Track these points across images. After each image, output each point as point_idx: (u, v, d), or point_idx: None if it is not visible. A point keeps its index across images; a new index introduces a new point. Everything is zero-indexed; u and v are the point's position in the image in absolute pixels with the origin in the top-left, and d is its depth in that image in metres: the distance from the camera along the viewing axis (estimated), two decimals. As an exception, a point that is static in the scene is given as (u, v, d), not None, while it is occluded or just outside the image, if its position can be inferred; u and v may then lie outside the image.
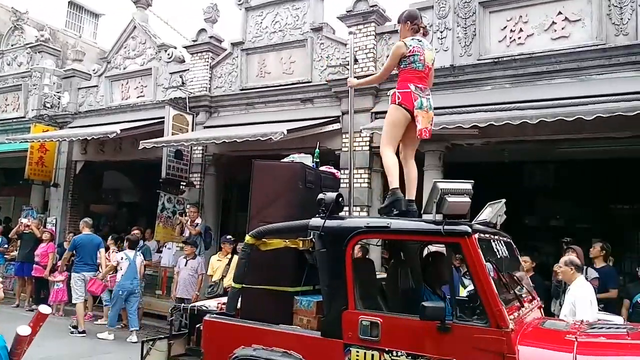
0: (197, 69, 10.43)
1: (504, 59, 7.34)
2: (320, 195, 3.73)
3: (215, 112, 10.26)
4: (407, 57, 4.12)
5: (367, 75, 8.14)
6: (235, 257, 8.47)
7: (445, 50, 7.81)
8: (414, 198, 4.16)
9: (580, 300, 4.88)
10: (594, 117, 5.76)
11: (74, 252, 8.92)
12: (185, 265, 8.75)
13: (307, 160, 4.98)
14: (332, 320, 3.42)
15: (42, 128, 12.32)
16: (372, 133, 7.95)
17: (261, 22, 9.74)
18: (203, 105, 10.16)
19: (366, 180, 8.16)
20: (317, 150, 5.27)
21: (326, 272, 3.55)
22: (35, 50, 13.50)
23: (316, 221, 3.68)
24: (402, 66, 4.17)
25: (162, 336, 4.92)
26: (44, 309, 2.49)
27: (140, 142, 8.95)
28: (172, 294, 8.92)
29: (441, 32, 7.88)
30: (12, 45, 14.37)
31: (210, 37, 10.32)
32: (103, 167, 12.92)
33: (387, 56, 8.16)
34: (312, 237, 3.85)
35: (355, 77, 8.17)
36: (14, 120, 13.57)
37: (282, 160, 5.05)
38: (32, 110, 13.08)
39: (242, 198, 13.41)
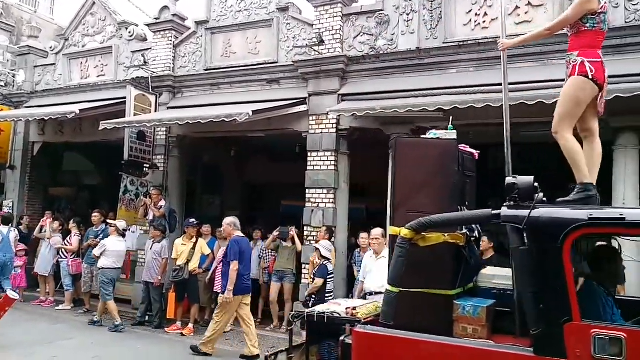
0: (160, 48, 10.14)
1: (469, 42, 7.40)
2: (511, 179, 3.07)
3: (179, 93, 10.03)
4: (596, 15, 3.32)
5: (335, 57, 8.11)
6: (201, 240, 8.41)
7: (412, 33, 7.81)
8: (595, 182, 3.44)
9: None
10: (554, 101, 5.87)
11: None
12: (151, 248, 8.62)
13: (453, 136, 4.11)
14: (549, 335, 2.72)
15: (-3, 107, 11.81)
16: (339, 115, 7.94)
17: (226, 1, 9.51)
18: (166, 85, 9.90)
19: (333, 162, 8.16)
20: (450, 125, 4.37)
21: (532, 275, 2.86)
22: (-13, 26, 12.85)
23: (511, 211, 2.98)
24: (587, 25, 3.35)
25: (282, 349, 4.42)
26: (11, 294, 2.43)
27: (101, 122, 8.67)
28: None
29: (407, 14, 7.87)
30: (-40, 20, 13.63)
31: (174, 15, 10.02)
32: (62, 149, 12.51)
33: (354, 38, 8.19)
34: (466, 230, 3.42)
35: (322, 58, 8.16)
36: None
37: (422, 137, 4.26)
38: (-17, 89, 12.49)
39: (207, 180, 13.29)
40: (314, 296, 6.93)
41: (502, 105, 6.11)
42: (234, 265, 6.57)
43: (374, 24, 8.13)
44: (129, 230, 10.20)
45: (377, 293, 5.48)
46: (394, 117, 7.43)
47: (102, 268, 8.28)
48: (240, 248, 6.81)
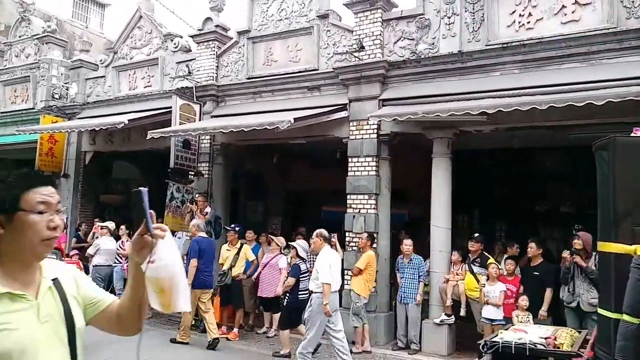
0: (203, 58, 10.41)
1: (513, 44, 7.24)
2: None
3: (222, 102, 10.26)
4: None
5: (375, 62, 8.11)
6: (245, 246, 8.54)
7: (453, 36, 7.72)
8: None
9: (319, 266, 6.09)
10: (604, 102, 5.69)
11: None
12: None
13: None
14: None
15: (51, 119, 12.40)
16: (380, 120, 7.91)
17: (267, 10, 9.69)
18: (210, 94, 10.15)
19: (374, 168, 8.14)
20: None
21: None
22: (43, 42, 13.54)
23: None
24: None
25: None
26: None
27: (148, 132, 8.97)
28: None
29: (448, 17, 7.79)
30: (19, 37, 14.42)
31: (216, 26, 10.28)
32: (112, 158, 12.99)
33: (394, 43, 8.17)
34: None
35: (362, 63, 8.18)
36: (23, 111, 13.67)
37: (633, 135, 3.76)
38: (41, 101, 13.16)
39: (250, 187, 13.51)
40: (288, 294, 7.06)
41: (549, 107, 6.01)
42: (193, 262, 7.36)
43: (415, 28, 8.08)
44: (175, 235, 10.49)
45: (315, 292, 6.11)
46: (436, 121, 7.37)
47: (95, 266, 8.78)
48: (200, 247, 7.58)
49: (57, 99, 12.61)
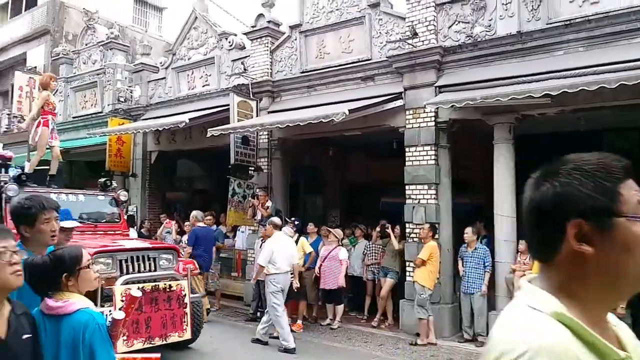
0: (257, 55, 10.56)
1: (577, 20, 6.84)
2: None
3: (277, 97, 10.39)
4: None
5: (430, 49, 7.93)
6: (302, 239, 8.65)
7: (511, 17, 7.40)
8: None
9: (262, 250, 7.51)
10: (682, 78, 5.29)
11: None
12: (261, 247, 9.01)
13: None
14: None
15: (118, 121, 13.02)
16: (437, 108, 7.74)
17: (317, 2, 9.67)
18: (265, 90, 10.30)
19: (433, 157, 7.98)
20: None
21: None
22: (107, 48, 14.21)
23: None
24: None
25: None
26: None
27: (208, 130, 9.24)
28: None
29: (506, -3, 7.47)
30: (86, 45, 15.22)
31: (269, 21, 10.39)
32: (176, 156, 13.50)
33: (449, 27, 7.94)
34: None
35: (416, 51, 8.01)
36: (93, 115, 14.44)
37: None
38: (108, 105, 13.84)
39: (308, 180, 13.63)
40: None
41: (619, 85, 5.65)
42: (188, 249, 8.47)
43: (470, 10, 7.82)
44: (239, 230, 10.79)
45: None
46: (496, 106, 7.12)
47: None
48: (197, 235, 8.74)
49: (122, 102, 13.22)
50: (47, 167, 7.54)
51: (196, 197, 15.79)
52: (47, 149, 7.54)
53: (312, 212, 12.53)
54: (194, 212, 9.37)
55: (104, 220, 7.59)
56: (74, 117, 15.13)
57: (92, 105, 14.71)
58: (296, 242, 8.50)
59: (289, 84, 10.11)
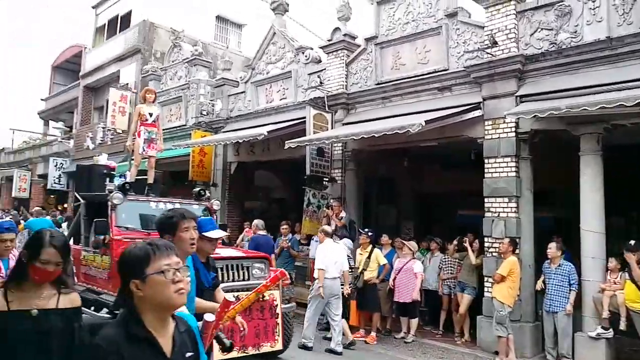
0: (333, 68, 10.75)
1: (675, 23, 6.39)
2: None
3: (352, 109, 10.49)
4: None
5: (510, 57, 7.70)
6: (376, 250, 8.63)
7: (599, 22, 7.03)
8: None
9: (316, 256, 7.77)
10: None
11: None
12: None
13: None
14: None
15: (200, 134, 13.69)
16: (518, 118, 7.48)
17: (393, 15, 9.70)
18: (341, 102, 10.44)
19: (513, 168, 7.71)
20: None
21: None
22: (191, 64, 15.04)
23: None
24: None
25: None
26: (230, 297, 3.00)
27: (285, 142, 9.51)
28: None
29: (593, 1, 7.11)
30: (172, 62, 16.20)
31: (345, 35, 10.55)
32: (254, 167, 13.96)
33: (531, 35, 7.67)
34: None
35: (496, 60, 7.81)
36: (178, 128, 15.30)
37: None
38: (191, 118, 14.61)
39: (382, 191, 13.58)
40: None
41: None
42: None
43: (553, 17, 7.52)
44: (313, 239, 10.94)
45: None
46: (583, 115, 6.76)
47: None
48: (258, 243, 8.82)
49: (204, 115, 13.92)
50: (146, 177, 7.90)
51: (273, 206, 16.21)
52: (143, 159, 7.95)
53: (385, 223, 12.45)
54: (255, 221, 9.63)
55: None
56: (161, 130, 16.06)
57: (177, 118, 15.58)
58: (370, 253, 8.52)
59: (364, 95, 10.18)
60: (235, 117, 13.51)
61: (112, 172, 8.21)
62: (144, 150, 7.92)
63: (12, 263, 3.74)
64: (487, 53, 8.01)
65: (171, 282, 1.76)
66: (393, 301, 8.53)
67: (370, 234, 8.79)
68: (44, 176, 22.32)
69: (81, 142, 20.56)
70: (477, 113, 8.21)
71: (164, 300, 1.77)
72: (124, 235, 6.45)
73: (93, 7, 21.88)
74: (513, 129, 7.75)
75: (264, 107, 12.65)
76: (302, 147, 9.90)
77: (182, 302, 1.83)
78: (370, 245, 8.64)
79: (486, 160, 8.05)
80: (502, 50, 7.89)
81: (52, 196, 22.65)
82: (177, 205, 7.50)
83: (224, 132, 13.49)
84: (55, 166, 21.03)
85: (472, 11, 8.85)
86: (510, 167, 7.75)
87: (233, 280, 6.04)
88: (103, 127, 18.85)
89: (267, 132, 10.47)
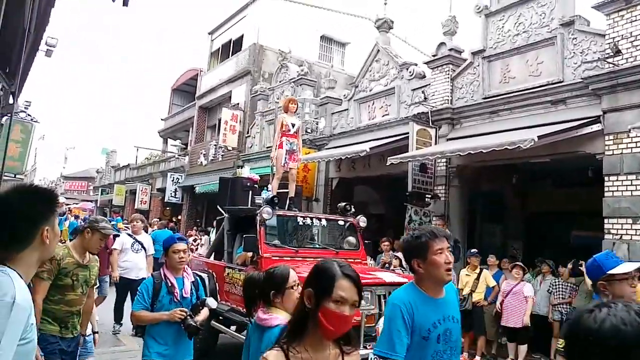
0: (437, 83, 10.60)
1: None
2: None
3: (457, 124, 10.25)
4: None
5: (635, 67, 7.11)
6: (485, 272, 8.28)
7: None
8: None
9: None
10: None
11: None
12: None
13: None
14: None
15: (305, 151, 14.06)
16: (645, 132, 6.86)
17: (502, 26, 9.39)
18: (445, 117, 10.25)
19: (638, 187, 7.05)
20: None
21: None
22: (297, 84, 15.64)
23: None
24: None
25: None
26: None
27: (388, 158, 9.50)
28: None
29: None
30: (279, 82, 16.96)
31: (450, 49, 10.38)
32: (354, 182, 14.09)
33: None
34: None
35: (619, 69, 7.24)
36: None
37: None
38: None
39: (488, 209, 13.03)
40: None
41: None
42: None
43: (688, 20, 6.84)
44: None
45: None
46: None
47: None
48: None
49: (309, 132, 14.34)
50: (287, 190, 7.60)
51: (372, 221, 16.14)
52: (285, 172, 7.62)
53: (490, 242, 11.91)
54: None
55: (346, 248, 7.08)
56: (267, 147, 16.83)
57: (282, 135, 16.20)
58: (479, 274, 8.20)
59: (470, 110, 9.91)
60: (338, 134, 13.77)
61: (255, 185, 7.90)
62: (285, 162, 7.60)
63: (186, 282, 3.76)
64: (609, 62, 7.46)
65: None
66: (500, 325, 8.10)
67: (477, 253, 8.49)
68: (162, 190, 24.26)
69: (195, 158, 22.12)
70: (596, 127, 7.65)
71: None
72: (272, 252, 6.14)
73: (209, 33, 23.66)
74: (638, 144, 7.11)
75: (366, 124, 12.77)
76: (404, 163, 9.83)
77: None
78: (478, 267, 8.33)
79: (606, 178, 7.45)
80: (627, 59, 7.31)
81: (167, 208, 24.52)
82: (324, 221, 7.07)
83: (327, 149, 13.79)
84: (172, 181, 22.78)
85: (590, 18, 8.32)
86: (635, 185, 7.09)
87: None
88: (215, 144, 20.14)
89: (370, 148, 10.55)
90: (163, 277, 3.73)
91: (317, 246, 6.98)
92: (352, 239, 7.20)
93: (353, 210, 7.33)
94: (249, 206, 7.41)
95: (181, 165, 23.59)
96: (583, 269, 7.66)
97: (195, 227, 19.33)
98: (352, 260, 6.62)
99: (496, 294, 8.14)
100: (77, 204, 34.52)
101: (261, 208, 6.28)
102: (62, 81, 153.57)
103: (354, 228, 7.10)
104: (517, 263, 8.27)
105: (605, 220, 7.37)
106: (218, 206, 8.22)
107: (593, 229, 7.94)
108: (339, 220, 7.07)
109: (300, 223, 6.79)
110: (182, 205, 22.82)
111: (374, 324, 4.68)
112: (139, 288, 3.76)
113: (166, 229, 14.33)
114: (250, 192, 7.68)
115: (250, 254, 6.30)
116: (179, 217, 22.70)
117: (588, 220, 8.21)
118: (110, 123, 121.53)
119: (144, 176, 27.94)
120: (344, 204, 7.39)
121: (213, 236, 16.47)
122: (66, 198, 33.93)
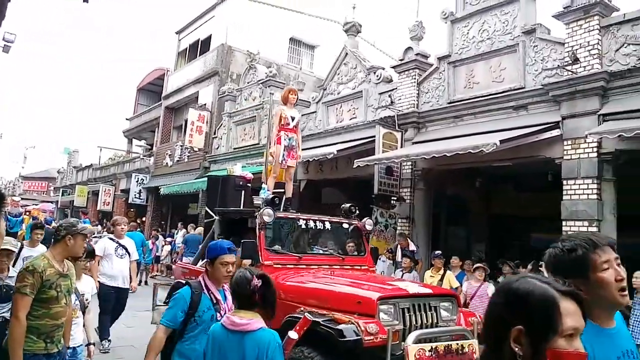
0: (404, 87, 10.73)
1: None
2: None
3: (423, 128, 10.40)
4: None
5: (593, 75, 7.36)
6: (449, 273, 8.41)
7: (695, 35, 6.59)
8: None
9: None
10: None
11: None
12: (402, 278, 8.98)
13: None
14: None
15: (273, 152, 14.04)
16: (601, 138, 7.10)
17: (467, 33, 9.59)
18: (411, 121, 10.38)
19: (595, 191, 7.30)
20: None
21: None
22: (266, 85, 15.58)
23: None
24: None
25: None
26: (292, 334, 2.92)
27: (355, 161, 9.56)
28: None
29: (688, 14, 6.69)
30: (247, 83, 16.86)
31: (417, 54, 10.53)
32: (321, 185, 14.12)
33: (616, 50, 7.29)
34: None
35: (577, 77, 7.49)
36: (251, 147, 15.82)
37: None
38: (265, 137, 15.01)
39: (452, 212, 13.26)
40: None
41: None
42: None
43: (642, 31, 7.13)
44: (380, 259, 10.83)
45: None
46: (674, 135, 6.32)
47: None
48: None
49: (276, 134, 14.25)
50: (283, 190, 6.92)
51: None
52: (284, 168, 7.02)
53: (454, 245, 12.11)
54: None
55: (350, 253, 6.46)
56: (234, 148, 16.71)
57: (250, 137, 16.13)
58: (442, 276, 8.30)
59: (435, 114, 10.07)
60: (306, 137, 13.73)
61: (249, 184, 7.24)
62: (284, 160, 6.87)
63: (228, 295, 3.19)
64: (568, 70, 7.71)
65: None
66: (463, 325, 8.22)
67: (441, 255, 8.61)
68: (126, 191, 23.75)
69: (161, 159, 21.76)
70: (555, 132, 7.89)
71: None
72: (274, 260, 5.46)
73: (176, 33, 23.32)
74: (595, 149, 7.37)
75: (334, 127, 12.81)
76: (370, 166, 9.91)
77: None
78: (442, 268, 8.44)
79: (565, 182, 7.68)
80: (584, 67, 7.57)
81: (131, 210, 24.02)
82: (327, 224, 6.29)
83: (294, 150, 13.74)
84: (137, 182, 22.33)
85: (551, 27, 8.58)
86: (592, 189, 7.34)
87: (421, 326, 4.50)
88: (181, 145, 19.85)
89: (337, 150, 10.60)
90: (204, 288, 3.16)
91: (322, 252, 6.32)
92: (357, 242, 6.57)
93: (358, 212, 6.60)
94: (241, 207, 6.75)
95: (146, 166, 23.15)
96: (543, 269, 7.87)
97: (157, 230, 19.00)
98: (359, 266, 6.15)
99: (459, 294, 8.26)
100: (36, 205, 33.40)
101: (261, 210, 5.56)
102: (21, 78, 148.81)
103: (359, 231, 6.46)
104: (479, 265, 8.42)
105: (563, 223, 7.60)
106: (207, 208, 7.52)
107: (552, 231, 8.16)
108: (343, 222, 6.41)
109: (303, 226, 6.09)
110: (147, 207, 22.39)
111: (398, 341, 4.19)
112: (174, 297, 3.21)
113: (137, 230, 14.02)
114: (243, 192, 7.01)
115: (248, 261, 5.38)
116: (144, 219, 22.25)
117: (548, 223, 8.44)
118: (73, 122, 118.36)
119: (107, 177, 27.31)
120: (348, 205, 6.58)
121: (179, 238, 16.33)
122: (23, 199, 32.78)
